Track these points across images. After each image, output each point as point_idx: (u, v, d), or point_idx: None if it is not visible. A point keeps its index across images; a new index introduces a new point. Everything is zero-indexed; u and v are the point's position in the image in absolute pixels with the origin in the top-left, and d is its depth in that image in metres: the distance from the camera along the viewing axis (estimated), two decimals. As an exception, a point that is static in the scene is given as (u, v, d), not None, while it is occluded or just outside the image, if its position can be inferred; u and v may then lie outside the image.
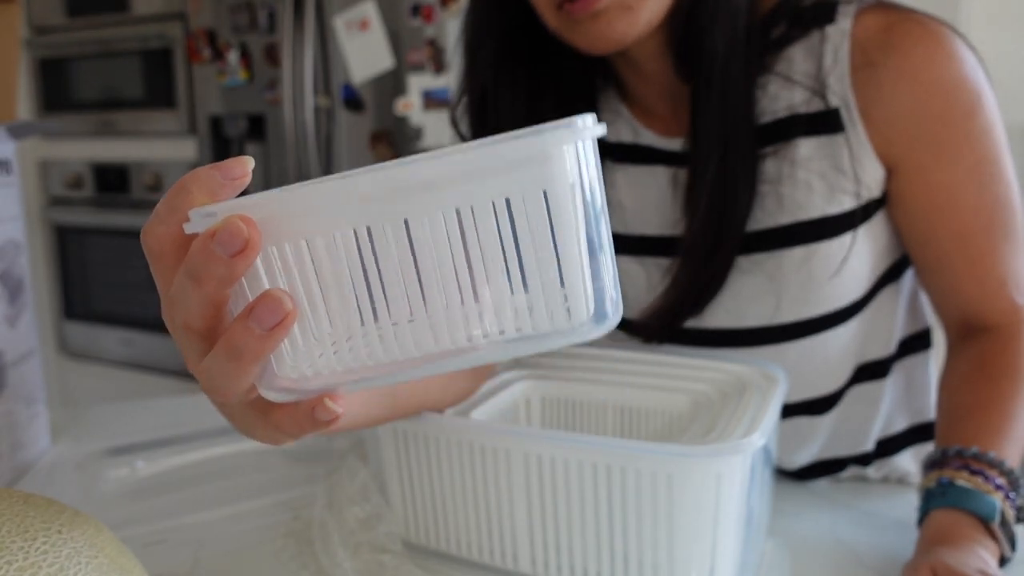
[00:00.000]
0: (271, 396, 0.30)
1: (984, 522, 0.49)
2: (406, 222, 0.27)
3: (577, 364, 0.63)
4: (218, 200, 0.28)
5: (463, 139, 0.71)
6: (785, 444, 0.66)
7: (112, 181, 2.40)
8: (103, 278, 2.48)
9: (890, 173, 0.60)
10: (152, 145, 2.31)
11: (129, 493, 0.66)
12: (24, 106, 2.46)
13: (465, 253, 0.27)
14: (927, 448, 0.70)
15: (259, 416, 0.32)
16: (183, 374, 2.36)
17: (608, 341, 0.78)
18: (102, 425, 0.81)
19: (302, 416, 0.31)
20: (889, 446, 0.69)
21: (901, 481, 0.69)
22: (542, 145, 0.26)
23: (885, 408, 0.67)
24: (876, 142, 0.58)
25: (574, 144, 0.26)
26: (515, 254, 0.27)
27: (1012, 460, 0.53)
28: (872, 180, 0.59)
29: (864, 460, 0.68)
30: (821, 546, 0.57)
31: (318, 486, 0.61)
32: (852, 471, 0.69)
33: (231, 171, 0.28)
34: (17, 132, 0.72)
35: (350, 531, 0.55)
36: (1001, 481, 0.51)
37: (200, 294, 0.27)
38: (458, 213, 0.27)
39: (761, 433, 0.44)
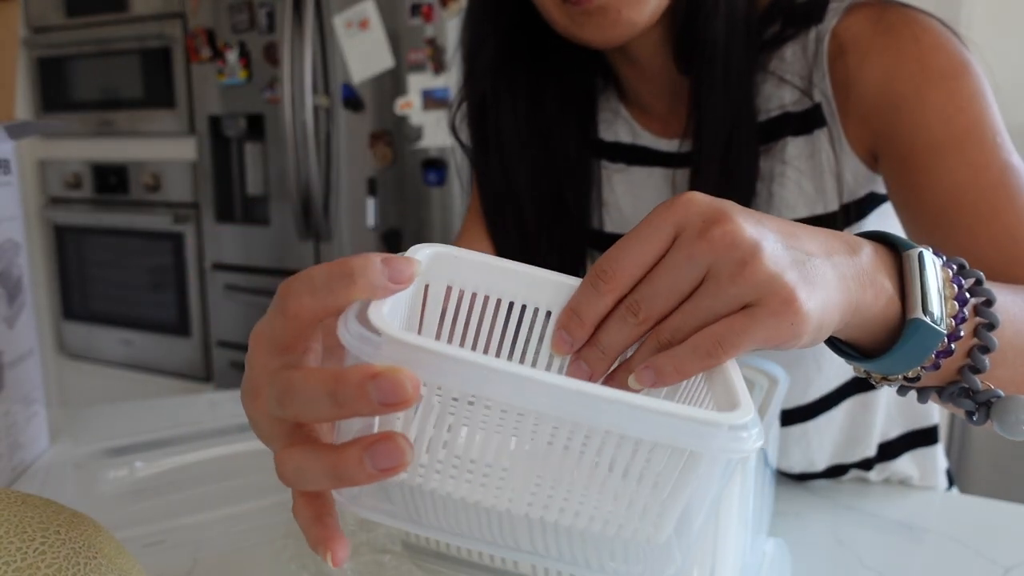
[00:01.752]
0: (338, 499, 0.29)
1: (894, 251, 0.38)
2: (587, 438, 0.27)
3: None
4: (374, 296, 0.28)
5: (463, 147, 0.70)
6: (778, 449, 0.66)
7: (111, 181, 2.40)
8: (102, 278, 2.48)
9: (878, 161, 0.58)
10: (151, 145, 2.31)
11: (128, 494, 0.66)
12: (23, 105, 2.46)
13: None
14: (928, 453, 0.70)
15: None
16: (182, 374, 2.36)
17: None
18: (100, 425, 0.81)
19: (312, 532, 0.30)
20: (889, 450, 0.69)
21: (902, 483, 0.69)
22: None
23: (883, 416, 0.67)
24: (852, 131, 0.57)
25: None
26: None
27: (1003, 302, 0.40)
28: (853, 179, 0.59)
29: (866, 465, 0.68)
30: (821, 546, 0.57)
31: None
32: (853, 474, 0.69)
33: (400, 274, 0.28)
34: (16, 132, 0.71)
35: (350, 532, 0.55)
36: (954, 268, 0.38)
37: (331, 412, 0.26)
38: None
39: (760, 433, 0.44)
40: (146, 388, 2.41)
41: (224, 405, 0.86)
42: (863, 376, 0.40)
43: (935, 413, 0.69)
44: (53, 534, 0.34)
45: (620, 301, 0.33)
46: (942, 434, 0.71)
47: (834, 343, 0.39)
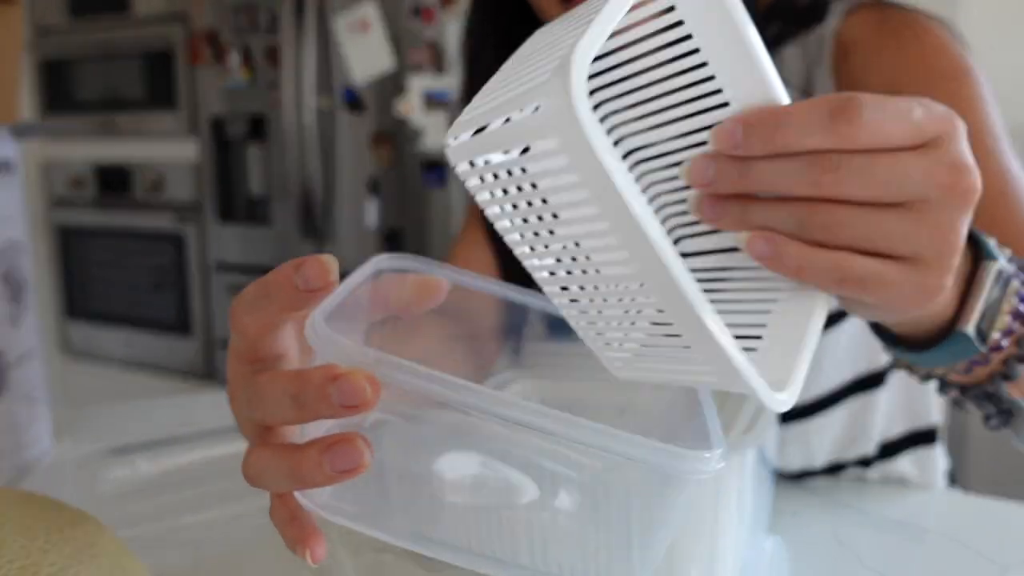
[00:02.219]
0: (302, 501, 0.29)
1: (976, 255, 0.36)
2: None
3: (575, 363, 0.63)
4: (295, 308, 0.28)
5: None
6: (778, 448, 0.66)
7: (114, 182, 2.41)
8: (105, 278, 2.49)
9: None
10: (154, 146, 2.31)
11: (130, 493, 0.66)
12: (26, 107, 2.46)
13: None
14: (927, 453, 0.70)
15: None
16: (184, 374, 2.36)
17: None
18: (103, 425, 0.81)
19: (289, 532, 0.30)
20: (889, 450, 0.69)
21: (901, 482, 0.69)
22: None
23: (883, 415, 0.67)
24: None
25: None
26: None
27: None
28: None
29: (865, 463, 0.68)
30: (821, 546, 0.57)
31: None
32: (852, 472, 0.69)
33: (309, 283, 0.27)
34: (19, 133, 0.72)
35: (350, 530, 0.55)
36: None
37: (294, 415, 0.26)
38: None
39: (759, 432, 0.44)
40: (148, 388, 2.42)
41: (225, 405, 0.86)
42: (890, 355, 0.39)
43: (935, 412, 0.69)
44: (56, 533, 0.34)
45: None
46: (942, 434, 0.71)
47: (874, 325, 0.38)
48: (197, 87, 2.16)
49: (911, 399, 0.68)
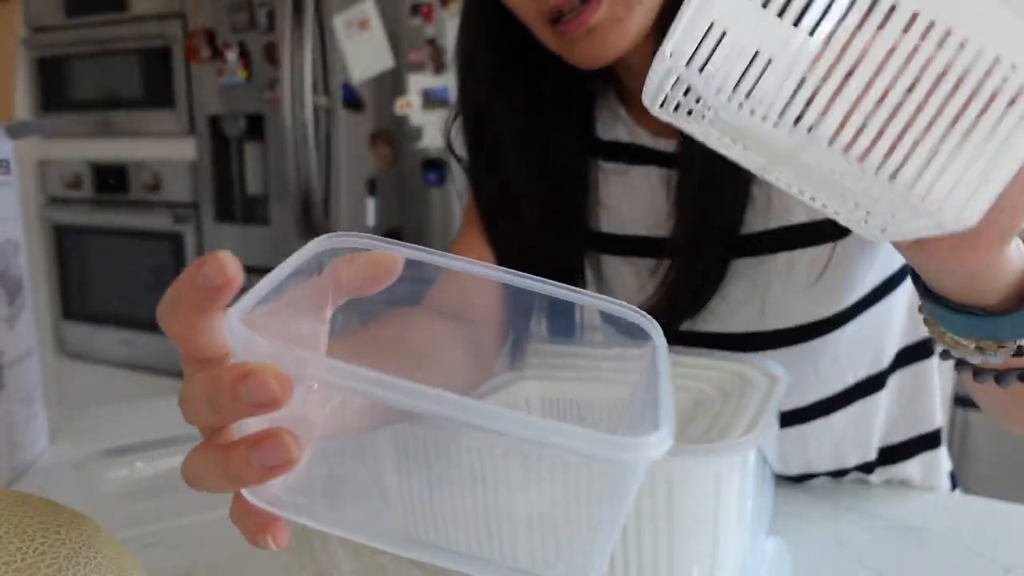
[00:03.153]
0: (251, 499, 0.29)
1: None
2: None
3: (578, 363, 0.63)
4: (204, 308, 0.27)
5: (459, 161, 0.70)
6: (777, 453, 0.66)
7: (111, 181, 2.40)
8: (102, 278, 2.48)
9: None
10: (151, 145, 2.31)
11: (128, 494, 0.66)
12: (22, 106, 2.46)
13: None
14: (932, 457, 0.69)
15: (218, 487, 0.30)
16: (181, 374, 2.35)
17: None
18: (100, 425, 0.81)
19: (248, 525, 0.30)
20: (892, 454, 0.69)
21: (904, 484, 0.69)
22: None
23: (884, 419, 0.67)
24: None
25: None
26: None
27: None
28: None
29: (867, 468, 0.68)
30: (822, 546, 0.57)
31: (317, 486, 0.61)
32: (854, 476, 0.69)
33: (209, 280, 0.26)
34: (16, 132, 0.71)
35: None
36: None
37: (213, 418, 0.27)
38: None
39: (759, 432, 0.44)
40: (146, 388, 2.41)
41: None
42: (934, 331, 0.39)
43: (938, 416, 0.69)
44: (53, 534, 0.33)
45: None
46: (943, 435, 0.71)
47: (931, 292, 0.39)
48: (195, 86, 2.16)
49: (913, 403, 0.68)
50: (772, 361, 0.56)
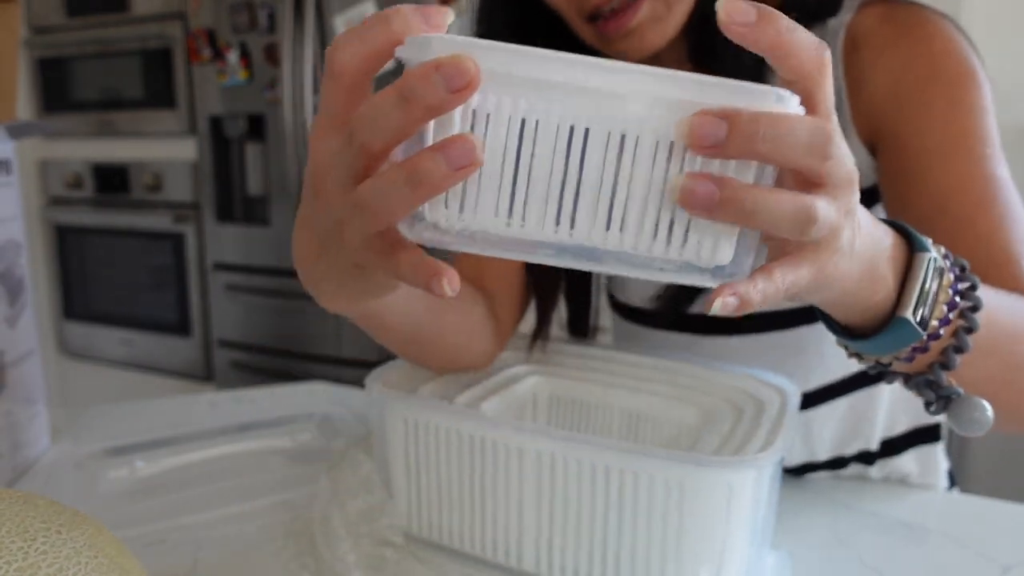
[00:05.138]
0: (410, 234, 0.29)
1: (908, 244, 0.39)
2: (623, 136, 0.27)
3: (589, 364, 0.63)
4: (410, 32, 0.29)
5: None
6: None
7: (112, 181, 2.40)
8: (103, 278, 2.48)
9: (876, 151, 0.58)
10: (152, 145, 2.31)
11: (129, 493, 0.66)
12: (24, 106, 2.46)
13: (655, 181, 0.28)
14: (930, 450, 0.70)
15: (378, 256, 0.31)
16: (183, 374, 2.36)
17: (617, 333, 0.79)
18: (102, 425, 0.81)
19: (422, 272, 0.30)
20: (892, 446, 0.69)
21: (902, 481, 0.69)
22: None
23: (886, 410, 0.67)
24: (859, 122, 0.58)
25: None
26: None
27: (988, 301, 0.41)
28: (861, 172, 0.59)
29: (867, 459, 0.68)
30: (822, 546, 0.57)
31: (320, 481, 0.61)
32: (854, 469, 0.69)
33: (433, 19, 0.29)
34: (17, 132, 0.71)
35: (352, 522, 0.55)
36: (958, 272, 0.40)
37: (401, 116, 0.27)
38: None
39: (777, 449, 0.45)
40: (147, 388, 2.42)
41: (225, 405, 0.87)
42: (841, 346, 0.42)
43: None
44: (55, 534, 0.34)
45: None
46: (942, 431, 0.71)
47: (825, 316, 0.41)
48: (195, 86, 2.16)
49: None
50: (770, 351, 0.57)
